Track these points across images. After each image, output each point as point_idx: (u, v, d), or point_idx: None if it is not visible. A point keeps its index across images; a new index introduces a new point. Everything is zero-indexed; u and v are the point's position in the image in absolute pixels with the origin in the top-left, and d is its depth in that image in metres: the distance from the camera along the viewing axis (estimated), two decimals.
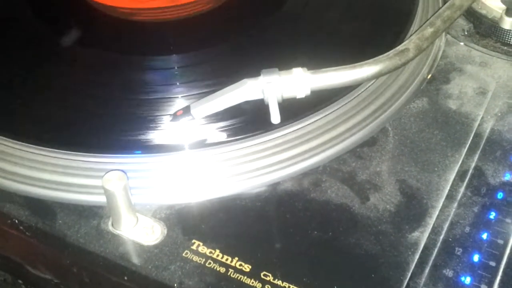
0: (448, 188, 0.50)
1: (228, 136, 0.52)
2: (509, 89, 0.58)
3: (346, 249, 0.46)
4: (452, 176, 0.51)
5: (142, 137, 0.52)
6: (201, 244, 0.47)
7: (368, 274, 0.45)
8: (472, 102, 0.57)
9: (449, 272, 0.45)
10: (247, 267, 0.46)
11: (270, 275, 0.45)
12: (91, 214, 0.49)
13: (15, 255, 0.52)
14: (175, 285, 0.45)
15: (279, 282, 0.45)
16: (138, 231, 0.48)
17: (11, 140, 0.52)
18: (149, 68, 0.60)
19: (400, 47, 0.54)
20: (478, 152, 0.53)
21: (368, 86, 0.56)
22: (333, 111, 0.55)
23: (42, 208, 0.50)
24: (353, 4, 0.66)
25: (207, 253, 0.47)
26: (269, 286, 0.45)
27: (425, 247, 0.46)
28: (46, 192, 0.50)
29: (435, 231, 0.47)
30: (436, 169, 0.52)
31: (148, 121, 0.54)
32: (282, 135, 0.53)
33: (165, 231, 0.48)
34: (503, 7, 0.62)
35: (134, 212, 0.48)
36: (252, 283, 0.45)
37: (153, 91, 0.56)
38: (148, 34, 0.65)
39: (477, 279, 0.45)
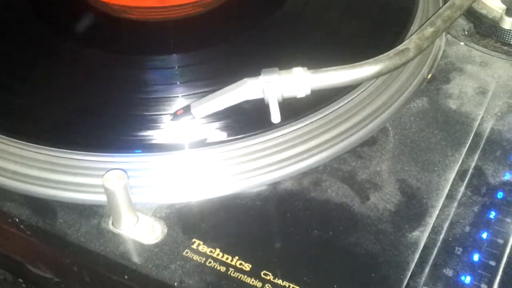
0: (448, 187, 0.50)
1: (228, 135, 0.52)
2: (509, 89, 0.58)
3: (346, 248, 0.46)
4: (452, 175, 0.51)
5: (143, 136, 0.52)
6: (201, 243, 0.47)
7: (368, 273, 0.45)
8: (472, 101, 0.57)
9: (449, 272, 0.45)
10: (247, 266, 0.46)
11: (270, 274, 0.45)
12: (91, 213, 0.49)
13: (15, 253, 0.52)
14: (176, 284, 0.45)
15: (279, 281, 0.45)
16: (138, 230, 0.48)
17: (11, 139, 0.53)
18: (150, 68, 0.60)
19: (400, 47, 0.54)
20: (478, 151, 0.53)
21: (368, 86, 0.57)
22: (333, 111, 0.55)
23: (43, 207, 0.50)
24: (353, 4, 0.66)
25: (208, 252, 0.47)
26: (269, 285, 0.45)
27: (425, 246, 0.47)
28: (47, 191, 0.50)
29: (435, 231, 0.47)
30: (436, 168, 0.52)
31: (148, 120, 0.54)
32: (282, 135, 0.53)
33: (166, 230, 0.48)
34: (503, 7, 0.62)
35: (135, 211, 0.48)
36: (252, 282, 0.45)
37: (154, 90, 0.56)
38: (148, 33, 0.65)
39: (477, 279, 0.45)
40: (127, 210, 0.47)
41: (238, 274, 0.45)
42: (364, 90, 0.56)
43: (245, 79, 0.52)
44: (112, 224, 0.48)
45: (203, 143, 0.52)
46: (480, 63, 0.61)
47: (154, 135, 0.52)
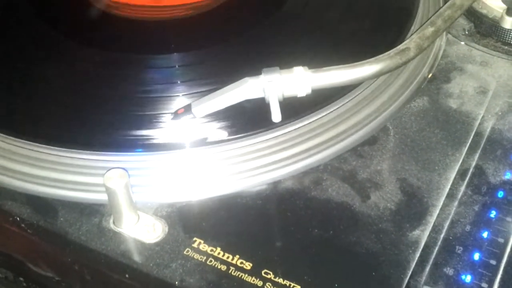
0: (449, 186, 0.50)
1: (229, 134, 0.52)
2: (509, 88, 0.58)
3: (346, 248, 0.47)
4: (452, 174, 0.51)
5: (144, 135, 0.52)
6: (202, 242, 0.47)
7: (369, 272, 0.45)
8: (472, 101, 0.57)
9: (449, 271, 0.45)
10: (248, 265, 0.46)
11: (271, 273, 0.45)
12: (92, 212, 0.49)
13: (16, 252, 0.52)
14: (176, 283, 0.45)
15: (280, 280, 0.45)
16: (139, 229, 0.48)
17: (12, 138, 0.53)
18: (151, 67, 0.60)
19: (401, 46, 0.54)
20: (479, 151, 0.53)
21: (369, 85, 0.57)
22: (334, 110, 0.55)
23: (44, 206, 0.50)
24: (354, 3, 0.66)
25: (208, 251, 0.47)
26: (270, 284, 0.45)
27: (426, 245, 0.47)
28: (48, 190, 0.51)
29: (435, 230, 0.48)
30: (436, 167, 0.52)
31: (149, 120, 0.54)
32: (283, 134, 0.53)
33: (166, 229, 0.48)
34: (504, 6, 0.62)
35: (136, 210, 0.48)
36: (253, 281, 0.45)
37: (155, 89, 0.56)
38: (149, 33, 0.65)
39: (477, 278, 0.45)
40: (128, 209, 0.47)
41: (238, 273, 0.45)
42: (364, 90, 0.56)
43: (246, 78, 0.52)
44: (113, 223, 0.48)
45: (204, 142, 0.52)
46: (481, 63, 0.61)
47: (155, 134, 0.52)
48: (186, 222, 0.49)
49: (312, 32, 0.63)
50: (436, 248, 0.46)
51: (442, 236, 0.47)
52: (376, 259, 0.46)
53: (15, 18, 0.66)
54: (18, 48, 0.62)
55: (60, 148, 0.51)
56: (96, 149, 0.51)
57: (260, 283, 0.45)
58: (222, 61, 0.60)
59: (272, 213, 0.50)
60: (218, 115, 0.53)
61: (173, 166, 0.51)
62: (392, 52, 0.54)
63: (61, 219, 0.49)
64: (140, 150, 0.52)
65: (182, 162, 0.52)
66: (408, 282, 0.45)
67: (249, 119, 0.53)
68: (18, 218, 0.49)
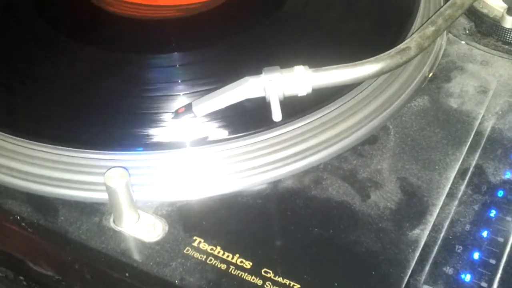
0: (449, 186, 0.50)
1: (230, 133, 0.52)
2: (510, 88, 0.58)
3: (346, 247, 0.47)
4: (452, 174, 0.51)
5: (144, 134, 0.52)
6: (202, 241, 0.47)
7: (369, 271, 0.45)
8: (473, 100, 0.57)
9: (449, 270, 0.45)
10: (248, 264, 0.46)
11: (271, 272, 0.45)
12: (92, 211, 0.49)
13: (16, 251, 0.52)
14: (176, 281, 0.45)
15: (280, 279, 0.45)
16: (139, 227, 0.48)
17: (13, 136, 0.53)
18: (151, 66, 0.60)
19: (401, 46, 0.54)
20: (479, 150, 0.53)
21: (370, 84, 0.57)
22: (334, 109, 0.55)
23: (44, 204, 0.50)
24: (354, 3, 0.66)
25: (208, 250, 0.47)
26: (270, 283, 0.45)
27: (426, 244, 0.47)
28: (48, 188, 0.51)
29: (435, 229, 0.48)
30: (437, 167, 0.52)
31: (150, 119, 0.54)
32: (283, 133, 0.53)
33: (167, 228, 0.48)
34: (505, 6, 0.62)
35: (136, 209, 0.48)
36: (253, 280, 0.45)
37: (155, 88, 0.57)
38: (150, 32, 0.65)
39: (477, 277, 0.45)
40: (128, 208, 0.47)
41: (238, 271, 0.45)
42: (365, 89, 0.56)
43: (247, 78, 0.52)
44: (113, 221, 0.48)
45: (205, 141, 0.52)
46: (481, 62, 0.61)
47: (155, 133, 0.53)
48: (186, 221, 0.49)
49: (312, 32, 0.63)
50: (436, 247, 0.46)
51: (442, 235, 0.47)
52: (376, 258, 0.46)
53: (15, 18, 0.66)
54: (18, 48, 0.62)
55: (61, 147, 0.51)
56: (96, 148, 0.51)
57: (260, 282, 0.45)
58: (222, 60, 0.60)
59: (272, 212, 0.50)
60: (219, 114, 0.53)
61: (174, 165, 0.51)
62: (392, 51, 0.54)
63: (62, 218, 0.49)
64: (140, 149, 0.52)
65: (183, 161, 0.52)
66: (408, 281, 0.45)
67: (249, 118, 0.53)
68: (18, 217, 0.49)
